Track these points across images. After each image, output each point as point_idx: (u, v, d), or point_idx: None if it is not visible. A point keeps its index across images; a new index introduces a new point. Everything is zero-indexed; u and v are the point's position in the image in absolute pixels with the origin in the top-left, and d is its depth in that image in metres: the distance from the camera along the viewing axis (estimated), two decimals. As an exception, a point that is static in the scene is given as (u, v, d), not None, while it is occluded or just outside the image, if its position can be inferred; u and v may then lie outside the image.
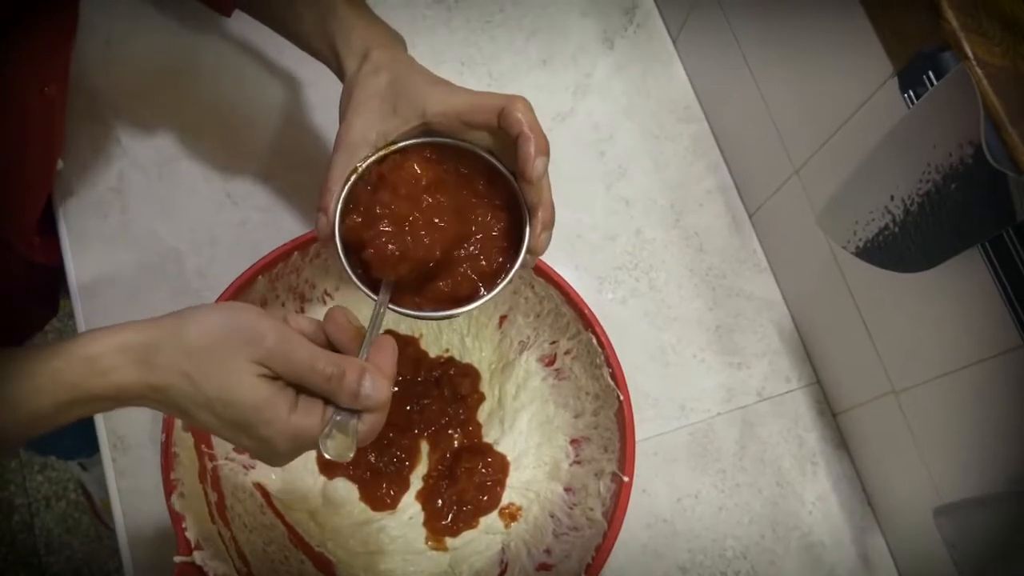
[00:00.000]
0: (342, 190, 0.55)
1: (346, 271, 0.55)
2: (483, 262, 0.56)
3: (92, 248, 0.80)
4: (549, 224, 0.56)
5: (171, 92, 0.85)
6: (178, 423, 0.63)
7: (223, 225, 0.82)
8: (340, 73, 0.60)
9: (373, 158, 0.56)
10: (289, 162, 0.84)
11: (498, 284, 0.56)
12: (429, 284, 0.56)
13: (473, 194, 0.57)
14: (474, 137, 0.56)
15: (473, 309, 0.56)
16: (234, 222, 0.82)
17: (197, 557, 0.59)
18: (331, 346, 0.52)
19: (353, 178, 0.56)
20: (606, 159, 0.88)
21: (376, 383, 0.50)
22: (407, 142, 0.56)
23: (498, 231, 0.57)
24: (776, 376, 0.83)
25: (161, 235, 0.81)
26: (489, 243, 0.56)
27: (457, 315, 0.56)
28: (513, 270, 0.55)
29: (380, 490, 0.74)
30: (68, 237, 0.81)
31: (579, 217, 0.86)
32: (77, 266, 0.80)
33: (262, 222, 0.82)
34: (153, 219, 0.82)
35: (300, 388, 0.50)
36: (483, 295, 0.56)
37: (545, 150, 0.54)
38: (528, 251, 0.56)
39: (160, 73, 0.85)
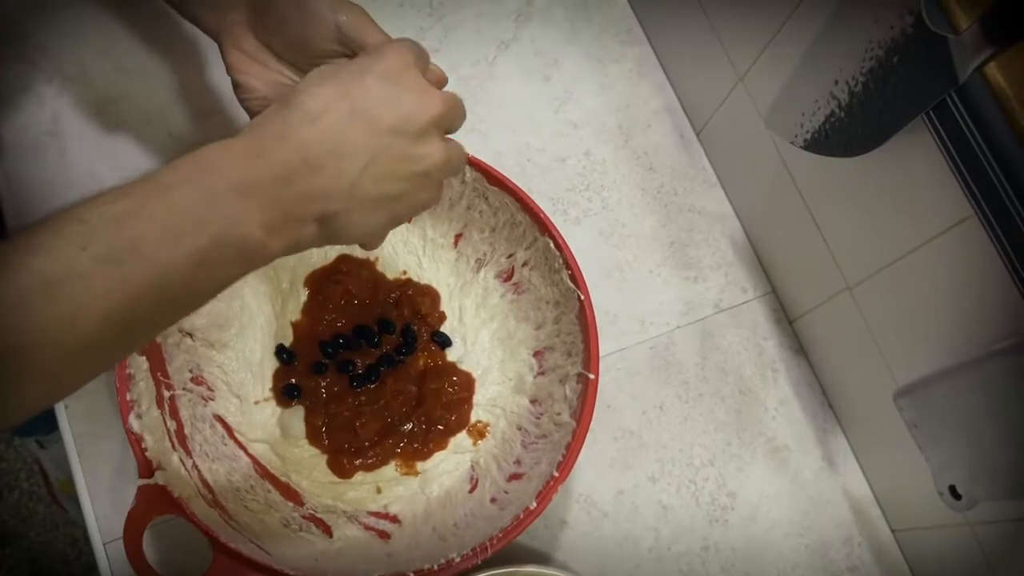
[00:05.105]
0: None
1: None
2: None
3: (31, 193, 0.78)
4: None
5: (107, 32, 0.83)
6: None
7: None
8: None
9: None
10: (230, 98, 0.82)
11: None
12: None
13: None
14: None
15: None
16: (177, 161, 0.80)
17: (159, 477, 0.58)
18: None
19: None
20: (552, 83, 0.88)
21: None
22: None
23: None
24: (732, 287, 0.84)
25: (103, 177, 0.79)
26: None
27: None
28: None
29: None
30: (4, 182, 0.78)
31: (527, 141, 0.85)
32: (15, 211, 0.77)
33: (206, 159, 0.80)
34: (93, 161, 0.79)
35: None
36: None
37: None
38: None
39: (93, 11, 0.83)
